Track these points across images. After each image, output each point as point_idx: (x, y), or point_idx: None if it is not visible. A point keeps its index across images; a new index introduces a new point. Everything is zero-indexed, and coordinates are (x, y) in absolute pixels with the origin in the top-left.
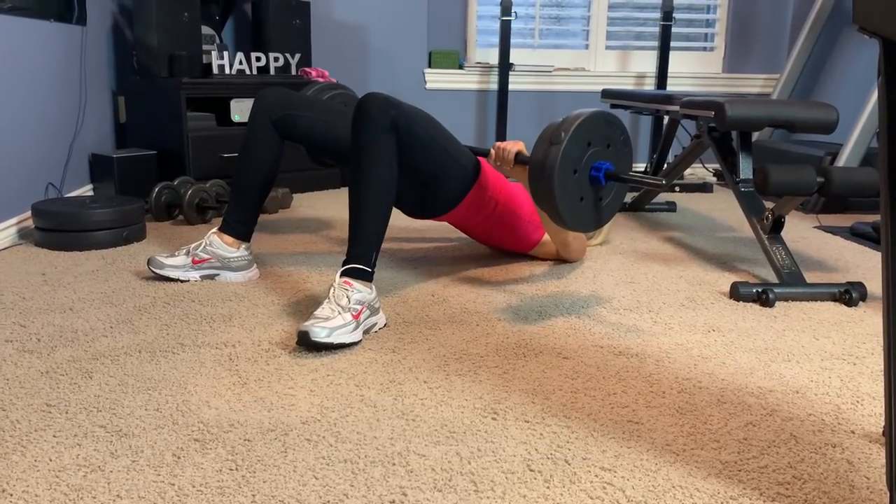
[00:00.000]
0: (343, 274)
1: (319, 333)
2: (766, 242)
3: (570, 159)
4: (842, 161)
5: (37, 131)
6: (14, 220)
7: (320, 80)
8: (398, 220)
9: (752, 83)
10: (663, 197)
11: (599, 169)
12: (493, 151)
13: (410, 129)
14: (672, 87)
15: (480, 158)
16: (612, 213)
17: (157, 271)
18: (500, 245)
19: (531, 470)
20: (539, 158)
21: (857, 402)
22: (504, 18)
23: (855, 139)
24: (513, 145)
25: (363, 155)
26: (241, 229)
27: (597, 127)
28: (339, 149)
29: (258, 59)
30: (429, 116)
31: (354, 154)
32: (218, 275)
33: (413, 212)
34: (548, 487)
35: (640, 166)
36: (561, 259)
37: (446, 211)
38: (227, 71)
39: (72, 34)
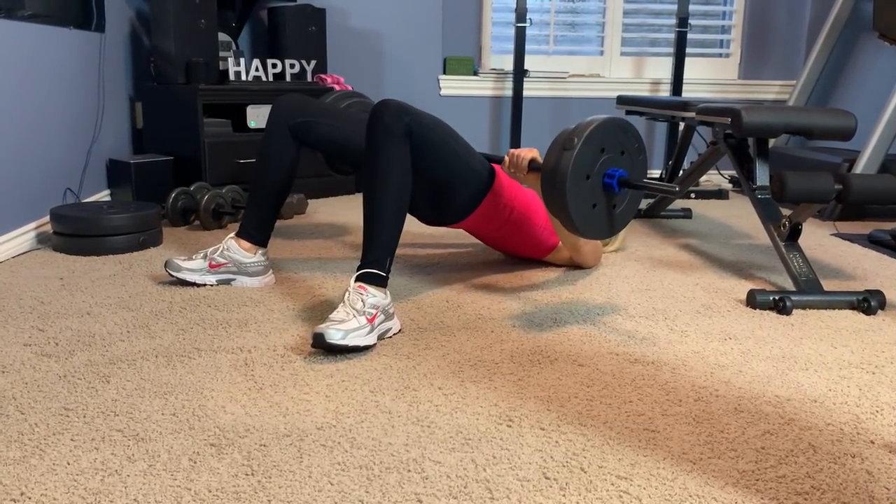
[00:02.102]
0: (358, 279)
1: (334, 335)
2: (783, 250)
3: (582, 165)
4: (860, 168)
5: (55, 137)
6: (33, 225)
7: (336, 86)
8: (412, 225)
9: (769, 90)
10: (679, 203)
11: (613, 176)
12: (506, 158)
13: (424, 135)
14: (687, 93)
15: (495, 165)
16: (625, 221)
17: (175, 274)
18: (515, 251)
19: (547, 478)
20: (551, 164)
21: (877, 411)
22: (519, 25)
23: (873, 146)
24: (527, 152)
25: (378, 161)
26: (258, 235)
27: (611, 133)
28: (355, 156)
29: (274, 65)
30: (443, 123)
31: (369, 160)
32: (234, 280)
33: (428, 219)
34: (563, 495)
35: (655, 173)
36: (576, 265)
37: (461, 218)
38: (243, 77)
39: (90, 41)
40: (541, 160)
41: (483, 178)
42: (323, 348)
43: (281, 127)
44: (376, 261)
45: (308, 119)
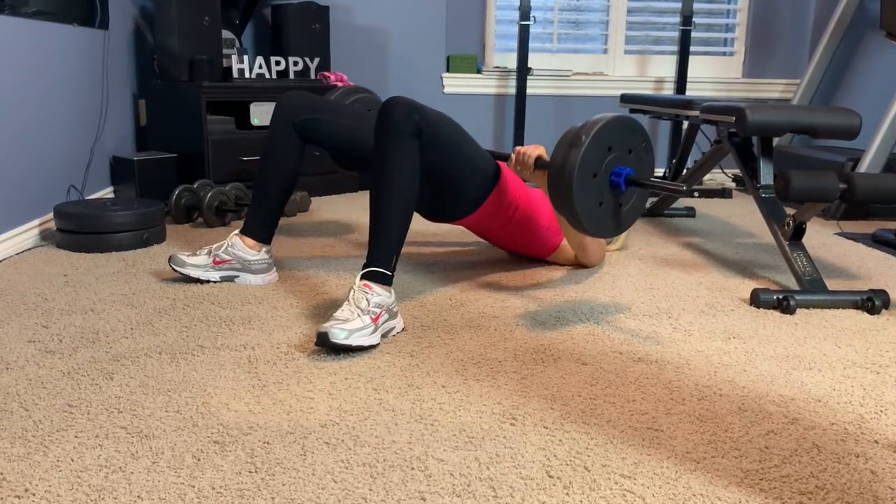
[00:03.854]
0: (363, 277)
1: (338, 335)
2: (787, 249)
3: (589, 163)
4: (864, 167)
5: (59, 134)
6: (36, 222)
7: (339, 83)
8: (416, 224)
9: (773, 88)
10: (682, 202)
11: (619, 174)
12: (512, 156)
13: (433, 133)
14: (691, 91)
15: (500, 163)
16: (632, 219)
17: (179, 269)
18: (518, 249)
19: (550, 476)
20: (558, 161)
21: (881, 411)
22: (522, 23)
23: (877, 145)
24: (533, 149)
25: (386, 159)
26: (262, 232)
27: (618, 132)
28: (361, 153)
29: (278, 63)
30: (451, 120)
31: (377, 158)
32: (238, 277)
33: (432, 215)
34: (567, 494)
35: (658, 171)
36: (579, 265)
37: (466, 215)
38: (246, 75)
39: (94, 38)
40: (547, 158)
41: (488, 175)
42: (327, 348)
43: (285, 125)
44: (382, 259)
45: (313, 116)
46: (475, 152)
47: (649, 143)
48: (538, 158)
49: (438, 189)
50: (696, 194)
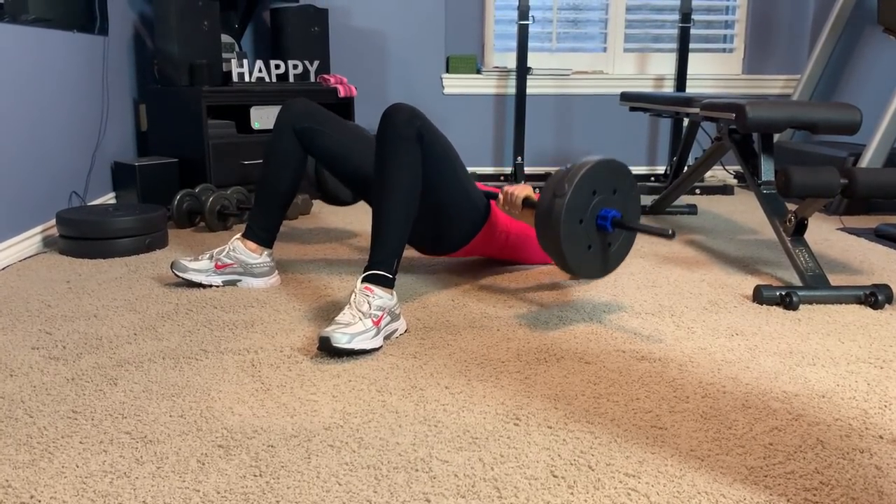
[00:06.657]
0: (364, 280)
1: (340, 339)
2: (789, 245)
3: (574, 210)
4: (865, 162)
5: (60, 140)
6: (39, 229)
7: (339, 87)
8: None
9: (773, 84)
10: (684, 200)
11: (606, 217)
12: (500, 196)
13: (432, 142)
14: (691, 89)
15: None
16: (620, 258)
17: (181, 275)
18: (519, 262)
19: (554, 476)
20: (544, 210)
21: (885, 406)
22: (521, 22)
23: (878, 140)
24: (521, 190)
25: (388, 162)
26: (264, 236)
27: (602, 175)
28: (353, 174)
29: (277, 66)
30: (449, 143)
31: (379, 162)
32: (240, 280)
33: (426, 248)
34: (571, 494)
35: (659, 169)
36: None
37: (459, 248)
38: (246, 79)
39: (94, 44)
40: (534, 197)
41: (479, 208)
42: (329, 353)
43: (287, 129)
44: (383, 262)
45: (313, 126)
46: (467, 180)
47: (633, 180)
48: (526, 198)
49: (432, 220)
50: (697, 191)
